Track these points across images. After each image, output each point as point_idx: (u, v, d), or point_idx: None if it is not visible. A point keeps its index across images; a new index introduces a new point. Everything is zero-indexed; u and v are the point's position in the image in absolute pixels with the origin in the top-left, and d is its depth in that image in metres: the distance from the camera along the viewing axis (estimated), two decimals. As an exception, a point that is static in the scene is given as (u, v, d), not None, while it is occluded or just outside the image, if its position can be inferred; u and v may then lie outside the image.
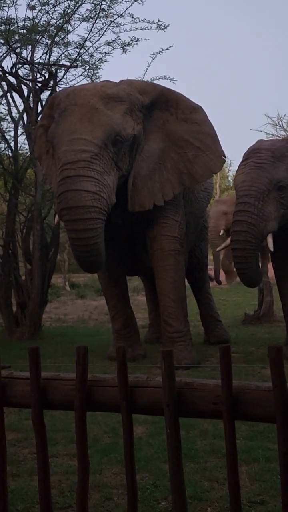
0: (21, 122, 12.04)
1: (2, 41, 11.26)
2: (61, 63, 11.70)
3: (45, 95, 11.77)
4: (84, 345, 2.86)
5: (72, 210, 7.13)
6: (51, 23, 11.29)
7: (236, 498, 2.53)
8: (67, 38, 11.51)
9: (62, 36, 11.42)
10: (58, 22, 11.26)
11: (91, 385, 2.85)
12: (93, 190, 7.15)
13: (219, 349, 2.56)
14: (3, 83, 11.87)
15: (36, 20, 11.19)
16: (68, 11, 11.04)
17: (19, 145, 12.33)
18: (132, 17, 11.14)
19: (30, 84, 11.64)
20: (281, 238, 7.93)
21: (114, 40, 11.42)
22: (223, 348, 2.55)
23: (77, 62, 11.57)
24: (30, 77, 11.75)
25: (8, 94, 12.00)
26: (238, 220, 7.64)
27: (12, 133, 12.35)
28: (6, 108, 12.10)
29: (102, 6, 10.99)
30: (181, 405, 2.64)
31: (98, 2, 10.94)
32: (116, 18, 11.17)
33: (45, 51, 11.57)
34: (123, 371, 2.72)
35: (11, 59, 11.63)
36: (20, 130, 12.18)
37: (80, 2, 10.98)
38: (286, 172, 7.77)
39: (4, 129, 12.36)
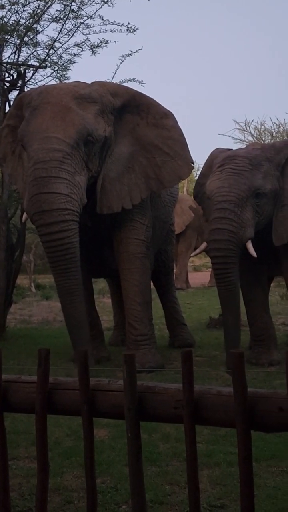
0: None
1: None
2: (30, 63, 11.63)
3: (13, 95, 11.70)
4: (46, 348, 2.84)
5: (46, 214, 7.11)
6: (20, 22, 11.22)
7: (195, 502, 2.53)
8: (36, 38, 11.44)
9: (31, 36, 11.34)
10: (27, 22, 11.19)
11: (52, 388, 2.83)
12: (65, 192, 7.14)
13: (181, 354, 2.56)
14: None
15: (5, 20, 11.12)
16: (38, 11, 10.98)
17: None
18: (102, 19, 11.13)
19: (-2, 84, 11.55)
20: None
21: (83, 42, 11.39)
22: (185, 353, 2.55)
23: (46, 63, 11.51)
24: (-2, 77, 11.66)
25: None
26: (219, 228, 7.65)
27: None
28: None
29: (72, 7, 10.96)
30: (142, 409, 2.64)
31: (68, 3, 10.90)
32: (85, 20, 11.14)
33: (13, 51, 11.49)
34: (84, 374, 2.71)
35: (-21, 58, 11.54)
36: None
37: (49, 3, 10.92)
38: (263, 180, 7.82)
39: None
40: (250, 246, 7.73)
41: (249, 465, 2.45)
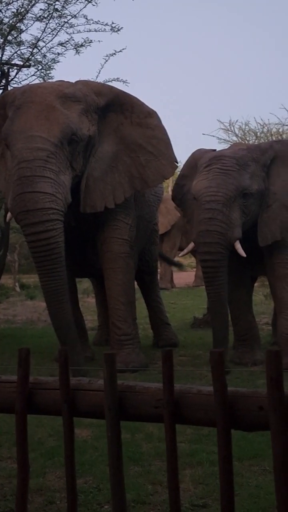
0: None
1: None
2: (13, 62, 11.59)
3: (-3, 94, 11.65)
4: (26, 347, 2.83)
5: (31, 213, 7.08)
6: (3, 21, 11.18)
7: (175, 501, 2.53)
8: (20, 37, 11.41)
9: (15, 35, 11.31)
10: (11, 21, 11.15)
11: (33, 388, 2.82)
12: (50, 191, 7.12)
13: (162, 353, 2.56)
14: None
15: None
16: (22, 10, 10.95)
17: None
18: (86, 18, 11.12)
19: (-18, 83, 11.51)
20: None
21: (67, 41, 11.37)
22: (166, 352, 2.55)
23: (30, 62, 11.48)
24: (-18, 76, 11.62)
25: None
26: (208, 230, 7.65)
27: None
28: None
29: (56, 6, 10.94)
30: (122, 408, 2.63)
31: (51, 2, 10.87)
32: (69, 19, 11.12)
33: (-3, 50, 11.46)
34: (64, 373, 2.70)
35: None
36: None
37: (33, 2, 10.89)
38: (250, 180, 7.84)
39: None
40: (238, 246, 7.75)
41: (229, 464, 2.45)
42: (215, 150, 8.77)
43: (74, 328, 7.56)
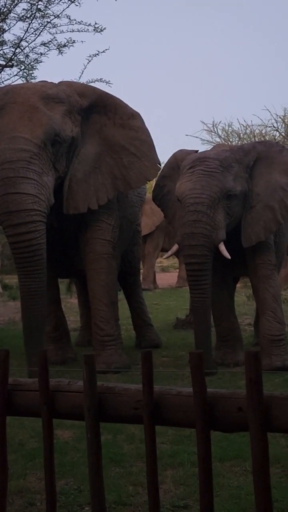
0: None
1: None
2: (-5, 62, 11.57)
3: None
4: (5, 349, 2.82)
5: (13, 214, 7.07)
6: (-14, 21, 11.15)
7: (155, 502, 2.53)
8: (3, 37, 11.42)
9: (-3, 35, 11.30)
10: (-7, 21, 11.13)
11: (12, 389, 2.80)
12: (33, 192, 7.12)
13: (141, 354, 2.56)
14: None
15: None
16: (4, 10, 10.93)
17: None
18: (69, 18, 11.13)
19: None
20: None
21: (50, 41, 11.37)
22: (145, 353, 2.55)
23: (13, 62, 11.46)
24: None
25: None
26: (193, 232, 7.65)
27: None
28: None
29: (39, 6, 10.93)
30: (102, 410, 2.63)
31: (34, 2, 10.88)
32: (52, 19, 11.14)
33: (-21, 50, 11.43)
34: (44, 374, 2.69)
35: None
36: None
37: (16, 1, 10.89)
38: (234, 181, 7.85)
39: None
40: (223, 248, 7.75)
41: (208, 465, 2.45)
42: (197, 151, 8.78)
43: (43, 332, 7.56)
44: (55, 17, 11.09)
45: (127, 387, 2.64)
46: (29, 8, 10.98)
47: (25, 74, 11.59)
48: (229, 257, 7.76)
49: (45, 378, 2.69)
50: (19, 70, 11.65)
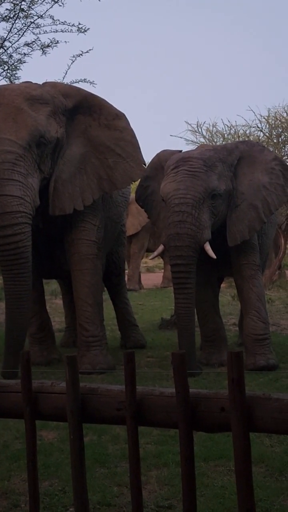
0: None
1: None
2: (-21, 62, 11.53)
3: None
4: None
5: None
6: None
7: (138, 503, 2.53)
8: (-15, 37, 11.36)
9: (-20, 35, 11.26)
10: (-24, 21, 11.09)
11: (-5, 391, 2.80)
12: (18, 194, 7.11)
13: (124, 355, 2.56)
14: None
15: None
16: (-13, 10, 10.89)
17: None
18: (53, 19, 11.10)
19: None
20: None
21: (33, 41, 11.33)
22: (127, 354, 2.55)
23: (-4, 62, 11.43)
24: None
25: None
26: (178, 233, 7.64)
27: None
28: None
29: (22, 7, 10.89)
30: (85, 411, 2.63)
31: (17, 2, 10.83)
32: (36, 19, 11.10)
33: None
34: (26, 376, 2.68)
35: None
36: None
37: (-1, 2, 10.85)
38: (218, 181, 7.86)
39: None
40: (208, 247, 7.76)
41: (191, 465, 2.46)
42: (181, 151, 8.79)
43: (24, 336, 7.55)
44: (38, 17, 11.06)
45: (110, 388, 2.65)
46: (12, 8, 10.95)
47: (8, 74, 11.55)
48: (215, 257, 7.77)
49: (27, 379, 2.69)
50: (2, 70, 11.62)
